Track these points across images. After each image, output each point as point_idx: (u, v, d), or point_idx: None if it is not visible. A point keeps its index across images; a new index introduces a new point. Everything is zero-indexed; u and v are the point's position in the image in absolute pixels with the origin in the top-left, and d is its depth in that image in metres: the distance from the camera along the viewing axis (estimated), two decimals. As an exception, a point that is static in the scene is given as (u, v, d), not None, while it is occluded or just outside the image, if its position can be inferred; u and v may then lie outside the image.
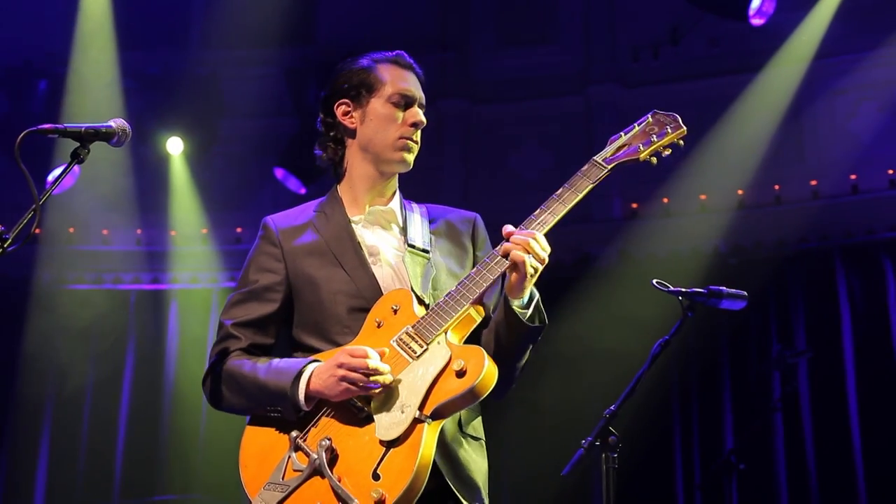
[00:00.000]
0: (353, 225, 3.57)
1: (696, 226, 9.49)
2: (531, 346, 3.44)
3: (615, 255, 9.57)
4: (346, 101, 3.60)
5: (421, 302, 3.36)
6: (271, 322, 3.54)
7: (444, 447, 3.28)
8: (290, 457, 3.23)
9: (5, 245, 2.96)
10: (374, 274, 3.46)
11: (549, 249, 3.26)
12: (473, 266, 3.55)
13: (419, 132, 3.59)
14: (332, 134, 3.66)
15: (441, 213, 3.74)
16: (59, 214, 9.88)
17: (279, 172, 10.16)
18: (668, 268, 9.09)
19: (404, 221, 3.61)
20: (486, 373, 3.12)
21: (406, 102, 3.55)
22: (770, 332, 9.30)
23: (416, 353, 3.21)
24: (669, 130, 3.45)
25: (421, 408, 3.12)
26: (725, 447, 9.02)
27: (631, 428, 4.55)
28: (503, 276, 3.29)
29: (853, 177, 9.41)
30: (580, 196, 3.34)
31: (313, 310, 3.47)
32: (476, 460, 3.41)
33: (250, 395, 3.39)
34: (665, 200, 9.66)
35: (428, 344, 3.21)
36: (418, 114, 3.57)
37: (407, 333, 3.25)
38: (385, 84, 3.55)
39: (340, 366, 3.17)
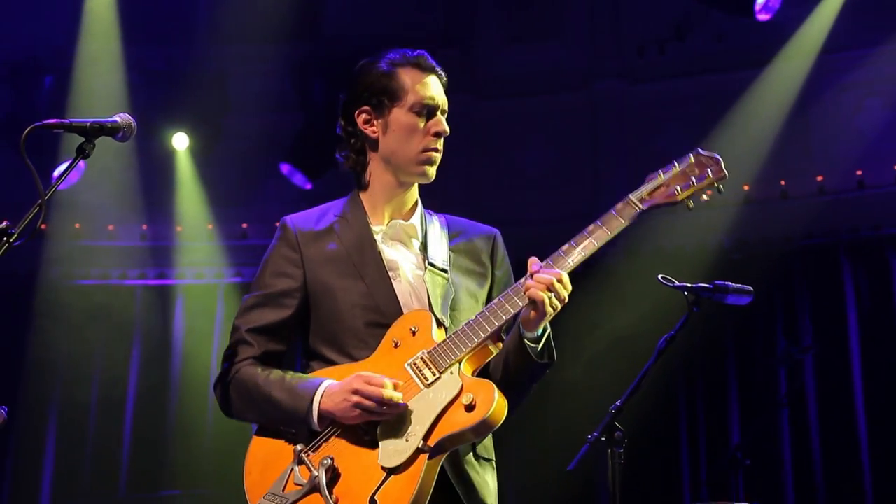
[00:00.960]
0: (375, 235, 3.52)
1: (701, 221, 9.47)
2: (536, 381, 3.43)
3: (620, 251, 9.56)
4: (368, 108, 3.52)
5: (440, 324, 3.33)
6: (285, 328, 3.50)
7: (458, 468, 3.28)
8: (292, 469, 3.22)
9: (11, 240, 2.96)
10: (393, 289, 3.43)
11: (570, 289, 3.21)
12: (491, 284, 3.57)
13: (442, 140, 3.53)
14: (353, 142, 3.58)
15: (461, 227, 3.68)
16: (65, 210, 9.87)
17: (285, 168, 10.16)
18: (673, 263, 9.08)
19: (424, 237, 3.56)
20: (495, 409, 3.10)
21: (429, 111, 3.49)
22: (776, 327, 9.28)
23: (427, 380, 3.19)
24: (710, 174, 3.34)
25: (426, 438, 3.11)
26: (731, 443, 9.01)
27: (637, 423, 4.54)
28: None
29: (859, 172, 9.40)
30: (611, 235, 3.29)
31: (330, 320, 3.44)
32: (488, 483, 3.40)
33: (262, 412, 3.39)
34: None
35: (441, 373, 3.19)
36: (441, 122, 3.51)
37: (422, 359, 3.23)
38: (407, 92, 3.47)
39: (356, 392, 3.14)
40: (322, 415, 3.22)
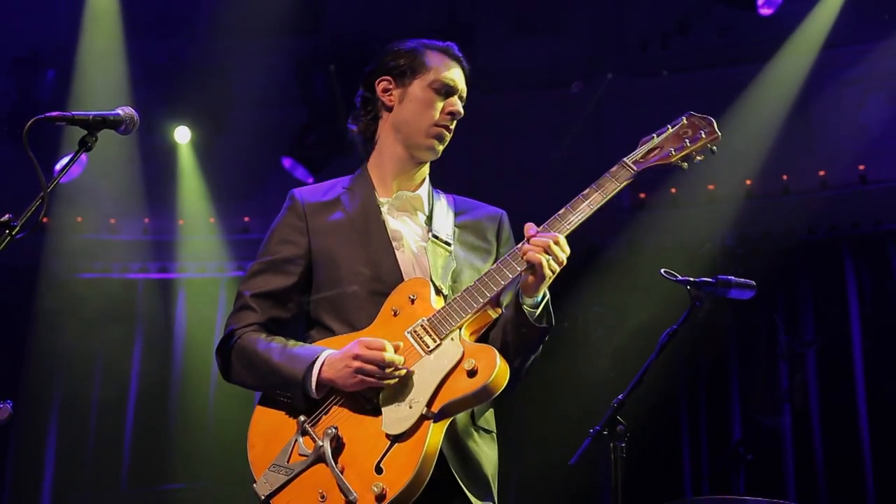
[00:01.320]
0: (381, 206, 3.56)
1: (704, 216, 9.47)
2: (538, 347, 3.43)
3: (623, 245, 9.56)
4: (389, 78, 3.60)
5: (439, 293, 3.35)
6: (289, 295, 3.53)
7: (454, 439, 3.28)
8: (296, 441, 3.23)
9: (13, 233, 2.96)
10: (396, 259, 3.45)
11: (568, 251, 3.23)
12: (494, 260, 3.55)
13: (454, 122, 3.58)
14: (368, 108, 3.65)
15: (468, 206, 3.72)
16: (67, 203, 9.88)
17: (287, 162, 10.16)
18: (675, 258, 9.08)
19: (430, 210, 3.60)
20: (497, 374, 3.10)
21: (447, 91, 3.56)
22: (778, 322, 9.29)
23: (428, 347, 3.20)
24: (703, 135, 3.37)
25: (429, 404, 3.11)
26: (733, 438, 9.02)
27: (639, 417, 4.54)
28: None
29: (861, 167, 9.39)
30: (607, 198, 3.30)
31: (332, 287, 3.45)
32: (487, 453, 3.41)
33: (261, 376, 3.40)
34: (673, 191, 9.65)
35: (441, 339, 3.20)
36: (457, 104, 3.57)
37: (422, 326, 3.24)
38: (430, 69, 3.56)
39: (356, 357, 3.15)
40: (322, 382, 3.23)
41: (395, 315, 3.30)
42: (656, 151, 3.37)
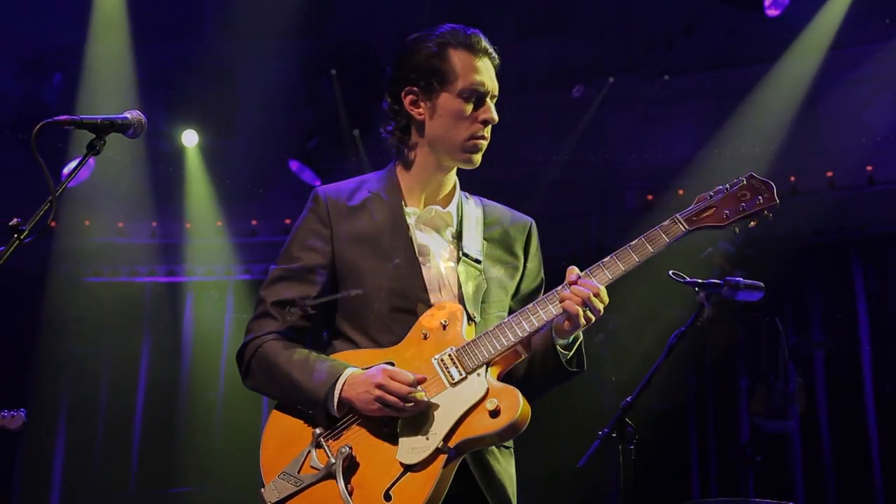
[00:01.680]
0: (408, 218, 3.45)
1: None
2: (561, 384, 3.41)
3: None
4: (415, 90, 3.42)
5: (470, 320, 3.29)
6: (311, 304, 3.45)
7: (478, 457, 3.25)
8: (309, 452, 3.20)
9: (22, 237, 2.96)
10: (422, 275, 3.37)
11: (606, 302, 3.19)
12: (522, 275, 3.52)
13: (489, 128, 3.47)
14: (398, 119, 3.48)
15: (497, 216, 3.61)
16: (75, 207, 9.89)
17: (294, 165, 10.17)
18: (683, 259, 9.05)
19: (459, 226, 3.49)
20: (519, 417, 3.07)
21: (478, 97, 3.40)
22: (787, 323, 9.27)
23: (454, 379, 3.16)
24: (761, 201, 3.25)
25: (446, 438, 3.08)
26: (741, 439, 9.01)
27: (648, 419, 4.54)
28: None
29: (869, 168, 9.37)
30: (653, 253, 3.23)
31: (355, 300, 3.38)
32: (506, 469, 3.38)
33: (282, 389, 3.35)
34: (680, 192, 9.63)
35: (468, 373, 3.16)
36: (490, 109, 3.43)
37: (450, 356, 3.19)
38: (458, 76, 3.38)
39: (379, 387, 3.10)
40: (342, 401, 3.19)
41: (425, 338, 3.25)
42: (710, 212, 3.27)
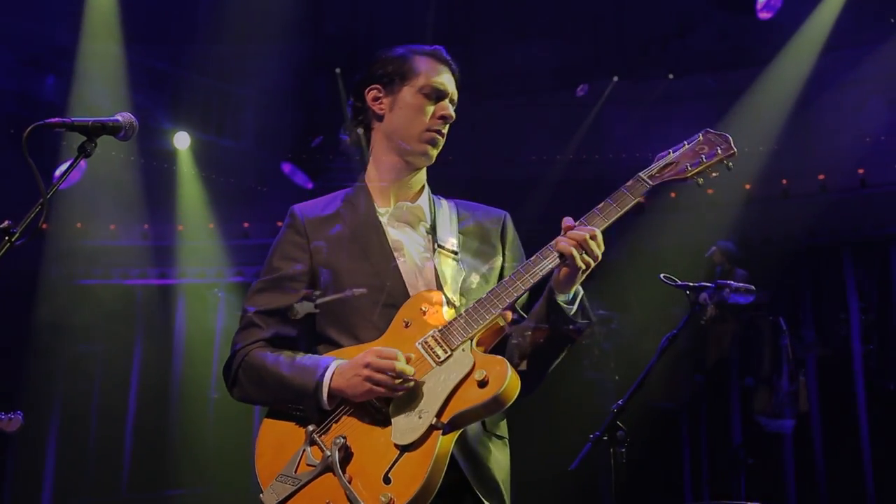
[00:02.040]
0: (380, 217, 3.54)
1: (703, 220, 9.47)
2: (569, 346, 3.39)
3: (623, 250, 9.55)
4: (378, 86, 3.57)
5: (451, 304, 3.33)
6: (293, 312, 3.49)
7: (466, 444, 3.26)
8: (304, 451, 3.21)
9: (13, 240, 2.95)
10: (399, 270, 3.42)
11: (603, 248, 3.20)
12: (502, 266, 3.55)
13: (447, 126, 3.56)
14: (359, 118, 3.64)
15: (470, 210, 3.69)
16: (67, 209, 9.87)
17: (286, 167, 10.17)
18: (675, 262, 9.08)
19: (433, 220, 3.57)
20: (509, 384, 3.08)
21: (437, 95, 3.52)
22: (778, 326, 9.28)
23: (439, 358, 3.18)
24: (720, 151, 3.33)
25: (439, 415, 3.09)
26: (734, 442, 9.01)
27: (639, 422, 4.54)
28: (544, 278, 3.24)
29: (861, 171, 9.38)
30: (621, 212, 3.26)
31: (337, 303, 3.42)
32: (498, 458, 3.39)
33: (272, 391, 3.38)
34: (673, 195, 9.65)
35: (453, 350, 3.18)
36: (448, 107, 3.54)
37: (433, 337, 3.22)
38: (419, 74, 3.52)
39: (367, 365, 3.13)
40: (332, 392, 3.21)
41: (407, 326, 3.28)
42: (672, 167, 3.35)
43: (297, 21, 9.89)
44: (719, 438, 9.22)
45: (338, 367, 3.23)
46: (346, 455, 3.15)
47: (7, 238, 2.95)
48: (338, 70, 10.00)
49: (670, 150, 3.39)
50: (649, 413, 7.57)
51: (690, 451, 9.34)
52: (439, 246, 3.48)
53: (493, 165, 10.40)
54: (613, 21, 10.59)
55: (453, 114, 3.55)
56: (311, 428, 3.23)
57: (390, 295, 3.37)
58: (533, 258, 3.24)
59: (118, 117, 3.26)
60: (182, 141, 10.09)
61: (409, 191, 3.62)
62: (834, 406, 8.97)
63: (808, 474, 8.86)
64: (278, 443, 3.31)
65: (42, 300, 9.98)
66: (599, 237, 3.19)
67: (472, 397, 3.09)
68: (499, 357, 3.16)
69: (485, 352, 3.23)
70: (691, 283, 4.11)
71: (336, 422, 3.23)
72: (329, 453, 3.14)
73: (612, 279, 9.16)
